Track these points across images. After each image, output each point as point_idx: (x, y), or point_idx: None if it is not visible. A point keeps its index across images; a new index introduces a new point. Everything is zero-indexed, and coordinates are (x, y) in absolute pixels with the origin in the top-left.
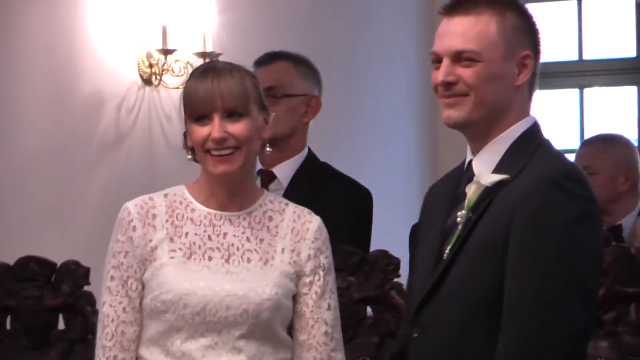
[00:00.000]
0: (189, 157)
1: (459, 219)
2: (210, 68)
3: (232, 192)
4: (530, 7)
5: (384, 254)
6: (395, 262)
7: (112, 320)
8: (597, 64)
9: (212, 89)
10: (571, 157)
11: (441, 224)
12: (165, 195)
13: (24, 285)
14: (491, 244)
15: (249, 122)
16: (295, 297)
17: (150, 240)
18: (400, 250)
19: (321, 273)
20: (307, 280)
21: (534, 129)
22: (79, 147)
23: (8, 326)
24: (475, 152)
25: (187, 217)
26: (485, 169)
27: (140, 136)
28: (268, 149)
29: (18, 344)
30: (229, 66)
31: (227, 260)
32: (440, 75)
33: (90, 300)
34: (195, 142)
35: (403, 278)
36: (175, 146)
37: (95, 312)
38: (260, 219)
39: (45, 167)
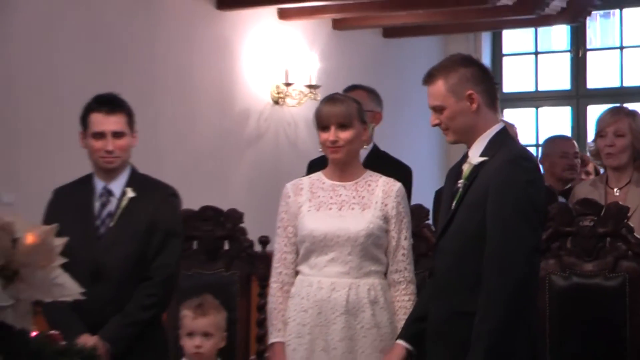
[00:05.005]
0: (320, 150)
1: (459, 186)
2: (330, 98)
3: (343, 170)
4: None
5: (419, 206)
6: (426, 212)
7: (279, 251)
8: (548, 93)
9: (330, 110)
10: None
11: (451, 189)
12: (310, 177)
13: (204, 224)
14: (478, 201)
15: (352, 131)
16: (387, 232)
17: (299, 202)
18: (428, 204)
19: (400, 217)
20: (393, 221)
21: (503, 130)
22: (234, 141)
23: (195, 247)
24: (468, 147)
25: (320, 187)
26: (474, 155)
27: (272, 137)
28: (366, 146)
29: (200, 258)
30: (342, 97)
31: (340, 209)
32: (432, 121)
33: (244, 232)
34: (321, 143)
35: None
36: (293, 143)
37: (247, 241)
38: (363, 185)
39: (213, 152)
